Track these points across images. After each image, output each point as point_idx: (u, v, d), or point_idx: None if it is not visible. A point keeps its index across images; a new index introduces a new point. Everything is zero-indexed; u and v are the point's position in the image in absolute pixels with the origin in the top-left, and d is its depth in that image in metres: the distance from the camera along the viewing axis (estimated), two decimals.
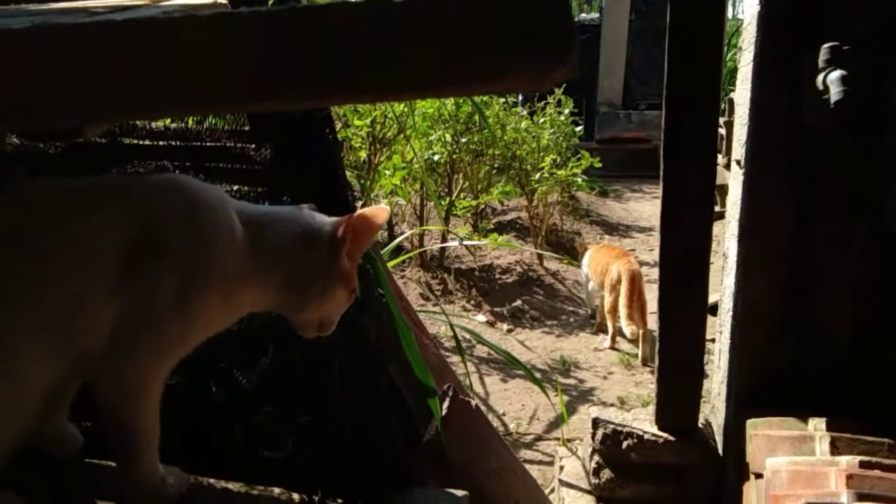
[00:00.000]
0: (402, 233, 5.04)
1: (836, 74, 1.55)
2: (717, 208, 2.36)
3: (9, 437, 0.92)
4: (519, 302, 4.89)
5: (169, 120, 1.34)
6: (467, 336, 3.71)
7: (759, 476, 1.64)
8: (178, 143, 1.34)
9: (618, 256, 4.30)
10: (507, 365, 3.77)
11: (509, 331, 4.55)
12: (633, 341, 4.11)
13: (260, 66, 0.36)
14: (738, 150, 1.90)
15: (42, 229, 0.94)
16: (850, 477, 1.42)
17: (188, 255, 0.97)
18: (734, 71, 2.03)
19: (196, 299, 0.98)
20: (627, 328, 4.03)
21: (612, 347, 4.21)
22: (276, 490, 1.28)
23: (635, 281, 4.06)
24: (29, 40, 0.38)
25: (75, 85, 0.38)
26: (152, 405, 1.02)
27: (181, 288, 0.96)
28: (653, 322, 2.94)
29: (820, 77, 1.61)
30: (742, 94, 1.87)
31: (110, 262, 0.94)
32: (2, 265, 0.92)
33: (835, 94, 1.54)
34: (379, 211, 1.11)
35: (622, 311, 4.04)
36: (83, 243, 0.94)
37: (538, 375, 3.69)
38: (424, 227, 5.35)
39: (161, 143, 1.33)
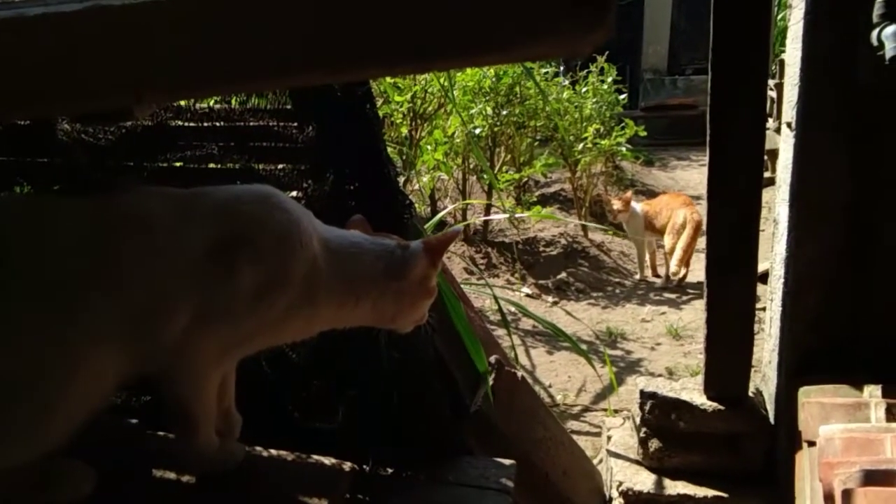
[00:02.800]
0: (444, 207, 5.05)
1: (891, 29, 1.49)
2: (766, 174, 2.30)
3: (78, 421, 0.97)
4: (563, 274, 4.86)
5: (213, 101, 1.36)
6: (512, 309, 3.72)
7: (811, 444, 1.61)
8: (222, 123, 1.36)
9: (685, 204, 4.73)
10: (553, 337, 3.77)
11: (554, 303, 4.54)
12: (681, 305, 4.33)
13: (298, 39, 0.36)
14: (789, 112, 1.85)
15: (144, 230, 1.00)
16: None
17: (271, 260, 1.02)
18: (785, 31, 1.96)
19: (271, 303, 1.03)
20: (683, 270, 4.58)
21: (668, 281, 4.74)
22: (328, 460, 1.32)
23: (698, 229, 4.45)
24: (81, 22, 0.40)
25: (126, 64, 0.40)
26: (213, 390, 1.09)
27: (259, 290, 1.01)
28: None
29: (874, 32, 1.55)
30: (793, 54, 1.81)
31: (198, 262, 0.99)
32: (102, 258, 0.97)
33: (890, 49, 1.48)
34: (451, 233, 1.20)
35: (677, 253, 4.53)
36: (177, 244, 1.00)
37: (584, 347, 3.68)
38: (467, 201, 5.34)
39: (205, 124, 1.35)
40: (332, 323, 1.13)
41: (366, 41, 0.34)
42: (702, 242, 3.61)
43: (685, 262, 4.57)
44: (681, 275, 4.65)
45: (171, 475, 1.19)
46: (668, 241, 4.67)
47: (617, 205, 4.88)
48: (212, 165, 1.41)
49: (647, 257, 5.00)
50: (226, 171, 1.39)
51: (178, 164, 1.39)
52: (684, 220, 4.57)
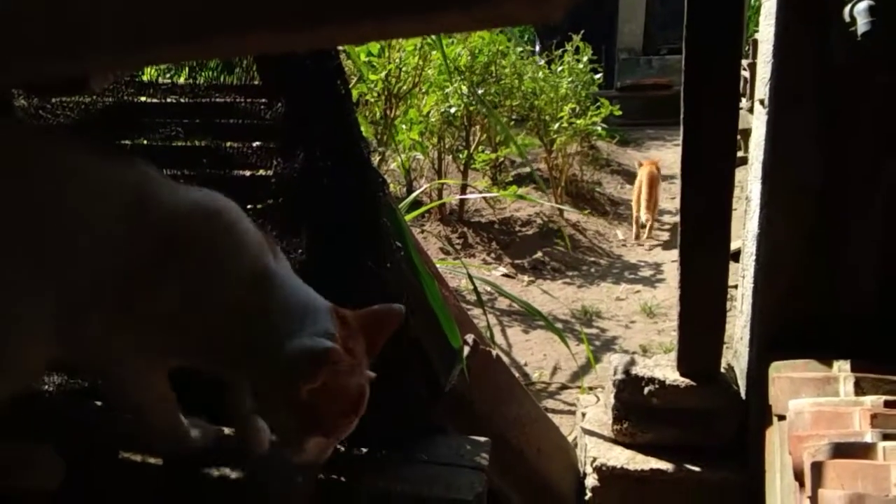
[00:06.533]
0: (420, 187, 5.02)
1: (863, 5, 1.49)
2: (739, 154, 2.31)
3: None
4: (539, 254, 4.87)
5: (177, 77, 1.33)
6: (488, 289, 3.72)
7: (781, 418, 1.63)
8: (187, 99, 1.32)
9: (642, 165, 5.48)
10: (529, 316, 3.79)
11: (530, 282, 4.55)
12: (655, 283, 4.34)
13: None
14: (762, 90, 1.85)
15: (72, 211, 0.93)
16: (874, 416, 1.41)
17: (196, 279, 0.96)
18: (758, 12, 1.96)
19: (187, 319, 0.97)
20: (644, 216, 5.23)
21: (637, 238, 5.31)
22: None
23: (652, 181, 5.22)
24: None
25: (66, 19, 0.37)
26: (149, 388, 1.04)
27: (176, 304, 0.96)
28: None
29: (847, 8, 1.55)
30: (766, 31, 1.81)
31: (129, 261, 0.94)
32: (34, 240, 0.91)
33: (862, 25, 1.48)
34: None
35: (642, 203, 5.22)
36: (114, 240, 0.94)
37: (560, 326, 3.70)
38: (442, 181, 5.32)
39: (169, 99, 1.32)
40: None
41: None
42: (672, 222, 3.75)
43: (648, 208, 5.19)
44: (646, 217, 5.23)
45: (138, 457, 1.17)
46: (633, 197, 5.38)
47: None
48: (178, 143, 1.38)
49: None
50: (192, 149, 1.36)
51: (142, 141, 1.36)
52: (640, 176, 5.33)
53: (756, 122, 1.95)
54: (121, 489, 1.14)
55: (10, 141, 0.94)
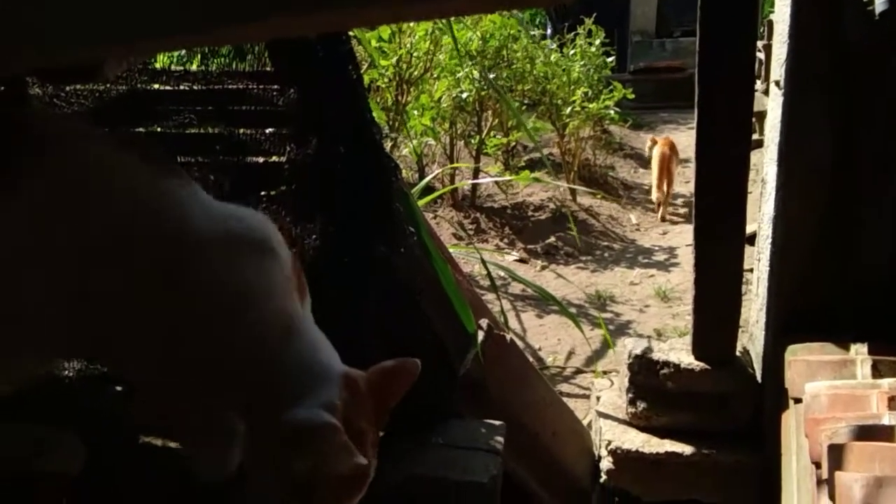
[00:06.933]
0: (432, 173, 5.02)
1: None
2: (754, 136, 2.29)
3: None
4: (552, 238, 4.86)
5: (190, 64, 1.33)
6: (502, 274, 3.72)
7: (798, 401, 1.63)
8: (200, 87, 1.33)
9: (655, 142, 5.64)
10: (543, 301, 3.78)
11: (543, 267, 4.54)
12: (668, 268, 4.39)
13: None
14: (778, 71, 1.83)
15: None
16: (892, 399, 1.40)
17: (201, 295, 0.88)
18: None
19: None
20: (655, 194, 5.47)
21: (661, 213, 5.48)
22: None
23: (663, 160, 5.37)
24: None
25: (84, 8, 0.37)
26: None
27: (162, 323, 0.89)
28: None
29: None
30: (782, 12, 1.79)
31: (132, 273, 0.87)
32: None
33: (879, 4, 1.46)
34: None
35: (653, 182, 5.45)
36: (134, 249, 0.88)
37: (574, 311, 3.69)
38: (454, 166, 5.31)
39: (182, 87, 1.32)
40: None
41: None
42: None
43: (660, 187, 5.36)
44: (657, 196, 5.43)
45: (158, 442, 1.19)
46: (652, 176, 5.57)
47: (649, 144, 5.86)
48: (191, 130, 1.38)
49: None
50: (205, 136, 1.36)
51: (156, 129, 1.36)
52: (653, 155, 5.49)
53: (771, 103, 1.93)
54: (141, 474, 1.16)
55: (36, 131, 0.90)
